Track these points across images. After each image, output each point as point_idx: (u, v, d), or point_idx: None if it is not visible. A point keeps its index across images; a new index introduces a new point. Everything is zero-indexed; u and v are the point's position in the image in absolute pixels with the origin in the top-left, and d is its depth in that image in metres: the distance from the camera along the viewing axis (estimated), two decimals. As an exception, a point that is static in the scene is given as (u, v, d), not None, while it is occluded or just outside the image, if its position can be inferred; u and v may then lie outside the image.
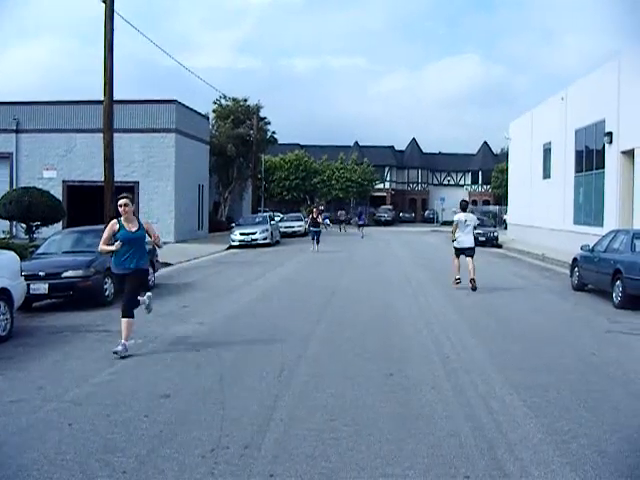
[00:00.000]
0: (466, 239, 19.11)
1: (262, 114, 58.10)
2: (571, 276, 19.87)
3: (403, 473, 5.89)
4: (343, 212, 67.18)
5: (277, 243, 41.48)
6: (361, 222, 53.95)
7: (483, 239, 40.32)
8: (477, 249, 19.95)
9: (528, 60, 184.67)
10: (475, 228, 19.99)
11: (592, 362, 10.23)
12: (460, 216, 19.25)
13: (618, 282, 15.96)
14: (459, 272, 19.06)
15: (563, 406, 7.86)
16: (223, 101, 56.91)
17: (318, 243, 34.33)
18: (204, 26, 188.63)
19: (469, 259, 18.94)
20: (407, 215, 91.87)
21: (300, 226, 49.71)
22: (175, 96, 40.23)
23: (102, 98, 24.76)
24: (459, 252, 19.15)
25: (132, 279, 11.01)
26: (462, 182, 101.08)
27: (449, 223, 63.60)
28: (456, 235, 19.19)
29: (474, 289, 18.29)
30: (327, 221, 60.83)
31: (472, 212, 21.41)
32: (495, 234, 41.65)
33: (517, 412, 7.61)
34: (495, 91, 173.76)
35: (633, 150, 25.85)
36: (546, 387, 8.67)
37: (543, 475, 5.83)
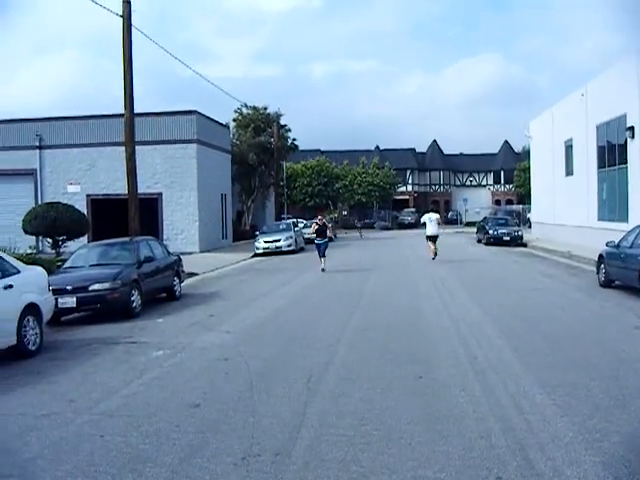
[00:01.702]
0: (433, 230, 29.36)
1: (282, 121, 58.28)
2: (597, 273, 19.71)
3: (435, 476, 5.89)
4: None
5: (301, 250, 41.42)
6: (359, 225, 68.53)
7: (508, 238, 40.18)
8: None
9: (547, 58, 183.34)
10: (439, 223, 30.30)
11: (622, 359, 10.14)
12: (426, 215, 30.65)
13: (646, 278, 15.83)
14: (432, 249, 28.96)
15: (593, 404, 7.81)
16: (244, 110, 57.11)
17: (325, 257, 26.75)
18: (221, 35, 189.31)
19: (434, 243, 29.10)
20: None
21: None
22: (195, 106, 40.46)
23: (123, 111, 24.99)
24: (429, 238, 29.53)
25: None
26: (484, 182, 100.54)
27: (473, 224, 63.54)
28: (426, 227, 29.65)
29: (434, 258, 28.67)
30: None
31: (437, 212, 34.47)
32: (519, 233, 41.40)
33: (547, 411, 7.57)
34: (514, 90, 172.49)
35: (656, 144, 25.65)
36: (576, 385, 8.62)
37: (576, 474, 5.79)
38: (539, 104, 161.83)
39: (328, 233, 28.04)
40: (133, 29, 24.28)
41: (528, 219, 59.15)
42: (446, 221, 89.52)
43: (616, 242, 18.62)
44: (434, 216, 30.26)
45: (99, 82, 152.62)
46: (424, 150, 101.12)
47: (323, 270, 25.98)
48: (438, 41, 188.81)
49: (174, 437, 7.17)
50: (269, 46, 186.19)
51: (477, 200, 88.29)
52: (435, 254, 28.90)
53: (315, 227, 27.98)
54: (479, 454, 6.34)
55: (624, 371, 9.34)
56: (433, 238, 29.34)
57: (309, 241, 45.32)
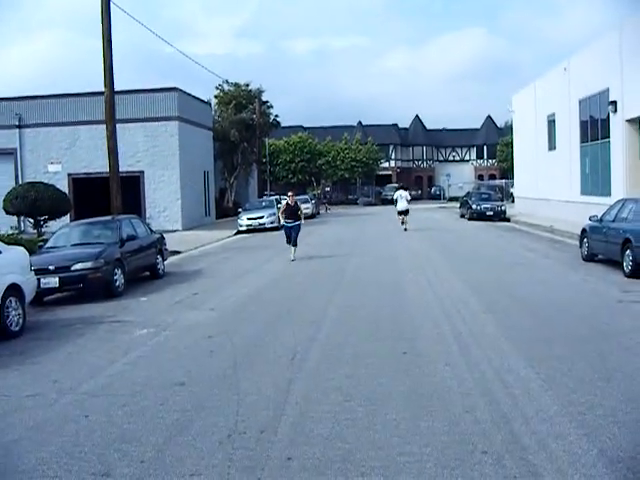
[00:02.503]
0: (403, 205, 33.22)
1: (264, 98, 57.82)
2: (580, 247, 19.79)
3: (420, 451, 5.90)
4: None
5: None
6: (325, 200, 71.03)
7: (491, 213, 40.24)
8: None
9: (531, 33, 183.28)
10: (408, 201, 33.83)
11: (605, 332, 10.21)
12: (398, 192, 34.60)
13: (628, 251, 15.89)
14: (401, 223, 33.09)
15: (578, 377, 7.85)
16: (225, 86, 56.67)
17: (295, 245, 22.35)
18: (203, 12, 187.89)
19: (405, 217, 33.11)
20: (413, 193, 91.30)
21: (307, 208, 49.39)
22: (177, 83, 40.19)
23: (103, 89, 24.73)
24: (400, 213, 33.43)
25: None
26: (467, 157, 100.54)
27: (456, 199, 63.60)
28: (397, 204, 33.61)
29: (405, 230, 32.18)
30: None
31: (407, 189, 36.84)
32: (502, 208, 41.45)
33: (532, 385, 7.60)
34: (498, 64, 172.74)
35: (638, 118, 25.71)
36: (560, 359, 8.66)
37: (561, 447, 5.81)
38: (523, 78, 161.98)
39: (304, 211, 24.39)
40: (113, 6, 24.01)
41: (511, 194, 59.21)
42: (429, 196, 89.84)
43: (599, 216, 18.68)
44: (404, 193, 34.28)
45: (80, 59, 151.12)
46: (407, 126, 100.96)
47: (293, 260, 21.70)
48: (422, 16, 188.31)
49: (159, 416, 7.15)
50: (252, 23, 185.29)
51: (460, 175, 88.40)
52: (405, 225, 32.92)
53: (286, 207, 22.83)
54: (464, 429, 6.36)
55: (607, 345, 9.40)
56: (404, 212, 33.40)
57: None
